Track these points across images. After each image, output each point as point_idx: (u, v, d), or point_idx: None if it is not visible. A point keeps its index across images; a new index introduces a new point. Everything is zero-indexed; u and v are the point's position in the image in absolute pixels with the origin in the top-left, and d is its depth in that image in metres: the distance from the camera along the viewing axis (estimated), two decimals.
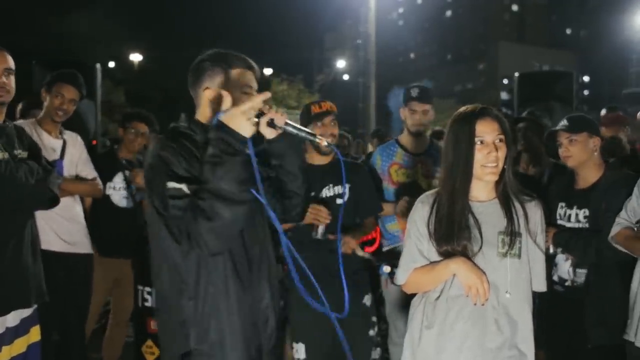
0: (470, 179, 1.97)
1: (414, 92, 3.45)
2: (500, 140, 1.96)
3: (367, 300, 2.90)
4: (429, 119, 3.46)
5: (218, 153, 1.67)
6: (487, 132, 1.95)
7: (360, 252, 2.83)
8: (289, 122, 1.87)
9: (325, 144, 1.83)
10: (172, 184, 1.72)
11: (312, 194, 2.87)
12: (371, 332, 2.87)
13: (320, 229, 2.72)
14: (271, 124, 1.85)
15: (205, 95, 1.87)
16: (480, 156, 1.95)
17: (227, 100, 1.73)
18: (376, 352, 2.90)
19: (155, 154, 1.79)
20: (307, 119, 2.92)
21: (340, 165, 2.99)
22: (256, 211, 1.89)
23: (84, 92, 3.48)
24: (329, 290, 2.79)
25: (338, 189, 2.90)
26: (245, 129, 1.69)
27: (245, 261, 1.87)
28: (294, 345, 2.90)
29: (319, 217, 2.73)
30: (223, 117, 1.69)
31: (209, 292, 1.80)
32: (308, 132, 1.81)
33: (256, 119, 1.76)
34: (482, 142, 1.95)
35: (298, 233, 2.84)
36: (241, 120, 1.68)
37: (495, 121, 1.97)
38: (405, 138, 3.52)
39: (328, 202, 2.86)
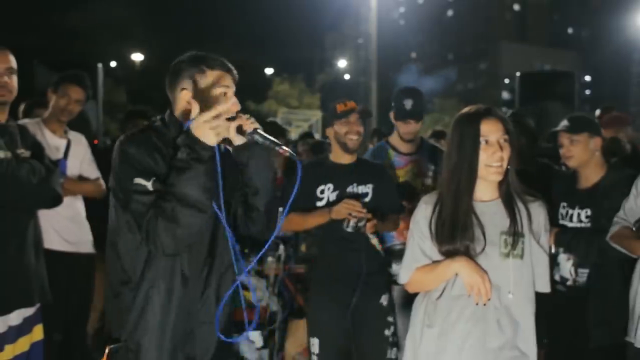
0: (475, 179, 1.97)
1: (408, 105, 3.28)
2: (505, 140, 1.96)
3: (384, 300, 2.93)
4: (421, 123, 3.40)
5: (185, 158, 1.70)
6: (492, 131, 1.95)
7: (373, 240, 2.83)
8: (258, 130, 1.85)
9: (288, 154, 1.80)
10: (138, 180, 1.74)
11: (337, 192, 2.89)
12: (387, 332, 2.89)
13: (352, 222, 2.72)
14: (239, 130, 1.85)
15: (182, 96, 1.87)
16: (485, 156, 1.94)
17: (195, 108, 1.75)
18: (393, 352, 2.91)
19: (119, 149, 1.81)
20: (332, 117, 2.90)
21: (363, 165, 2.99)
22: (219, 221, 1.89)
23: (90, 93, 3.50)
24: (349, 291, 2.82)
25: (362, 189, 2.91)
26: (209, 138, 1.71)
27: (198, 269, 1.87)
28: (310, 339, 2.92)
29: (352, 211, 2.72)
30: (191, 125, 1.72)
31: (149, 291, 1.81)
32: (274, 142, 1.80)
33: (220, 125, 1.75)
34: (487, 142, 1.95)
35: (326, 229, 2.86)
36: (204, 129, 1.70)
37: (500, 121, 1.98)
38: (396, 139, 3.46)
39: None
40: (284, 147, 1.80)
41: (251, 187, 1.93)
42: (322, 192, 2.90)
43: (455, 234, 1.96)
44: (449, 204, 2.00)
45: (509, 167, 1.98)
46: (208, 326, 1.89)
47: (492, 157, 1.94)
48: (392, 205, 3.02)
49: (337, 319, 2.83)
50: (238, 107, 1.86)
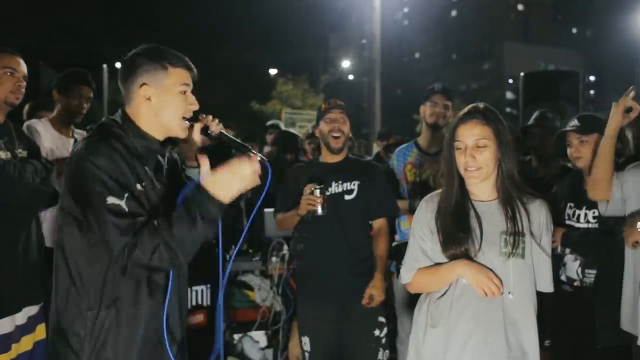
0: (460, 181, 2.02)
1: (438, 87, 3.57)
2: (483, 145, 1.97)
3: None
4: (448, 115, 3.54)
5: (194, 217, 1.57)
6: (466, 136, 1.99)
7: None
8: (224, 132, 1.83)
9: (258, 158, 1.71)
10: (111, 199, 1.58)
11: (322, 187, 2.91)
12: (377, 332, 2.88)
13: (319, 210, 2.77)
14: (205, 132, 1.83)
15: (142, 92, 1.75)
16: (461, 161, 1.99)
17: (205, 164, 1.62)
18: (385, 354, 2.90)
19: (82, 163, 1.61)
20: (318, 117, 3.01)
21: (350, 163, 3.01)
22: None
23: (95, 88, 3.54)
24: (336, 290, 2.82)
25: (347, 185, 2.94)
26: (225, 196, 1.61)
27: (163, 276, 1.75)
28: (302, 338, 2.96)
29: (312, 204, 2.77)
30: (208, 182, 1.60)
31: (113, 303, 1.67)
32: (242, 144, 1.76)
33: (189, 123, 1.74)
34: (461, 147, 1.99)
35: (311, 229, 2.90)
36: (222, 186, 1.60)
37: (479, 124, 1.98)
38: (422, 138, 3.61)
39: (337, 198, 2.92)
40: (253, 151, 1.74)
41: None
42: (312, 192, 2.93)
43: (455, 233, 1.97)
44: (448, 204, 2.03)
45: (502, 167, 1.99)
46: (175, 331, 1.81)
47: (465, 162, 1.98)
48: (384, 203, 3.03)
49: (325, 317, 2.84)
50: (196, 107, 1.79)
